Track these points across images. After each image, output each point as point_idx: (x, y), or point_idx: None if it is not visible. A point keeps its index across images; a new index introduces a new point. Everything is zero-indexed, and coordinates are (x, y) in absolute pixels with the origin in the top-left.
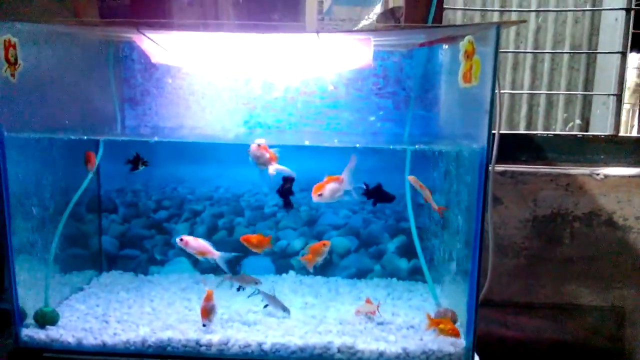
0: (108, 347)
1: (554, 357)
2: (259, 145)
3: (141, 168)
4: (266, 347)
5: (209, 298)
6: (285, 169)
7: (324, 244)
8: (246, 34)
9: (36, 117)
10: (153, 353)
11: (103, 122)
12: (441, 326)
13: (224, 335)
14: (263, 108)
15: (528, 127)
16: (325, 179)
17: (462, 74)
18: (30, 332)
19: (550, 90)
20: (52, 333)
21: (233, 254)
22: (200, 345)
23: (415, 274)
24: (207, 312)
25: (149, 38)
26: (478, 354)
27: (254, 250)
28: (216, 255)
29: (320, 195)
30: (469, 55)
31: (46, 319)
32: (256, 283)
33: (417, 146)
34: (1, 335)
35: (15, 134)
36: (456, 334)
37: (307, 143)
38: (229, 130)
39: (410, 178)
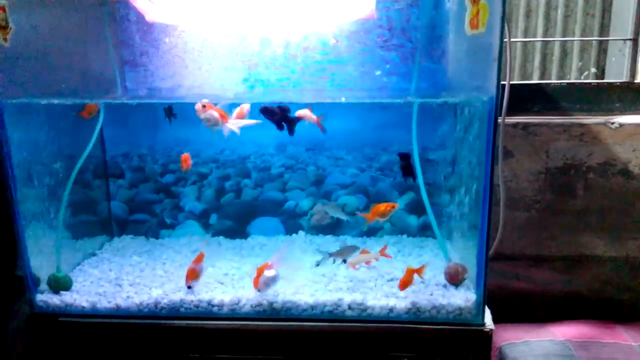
0: (122, 310)
1: (567, 309)
2: (203, 105)
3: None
4: (277, 305)
5: (198, 260)
6: (248, 122)
7: (393, 206)
8: None
9: (34, 82)
10: (167, 314)
11: (103, 86)
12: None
13: (235, 295)
14: (263, 65)
15: (542, 77)
16: (257, 270)
17: (469, 20)
18: (45, 298)
19: (565, 37)
20: (67, 298)
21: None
22: (213, 306)
23: (425, 230)
24: (195, 274)
25: None
26: (489, 307)
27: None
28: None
29: (258, 290)
30: (475, 0)
31: (59, 284)
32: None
33: (424, 99)
34: (18, 301)
35: (13, 100)
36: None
37: (338, 99)
38: (227, 89)
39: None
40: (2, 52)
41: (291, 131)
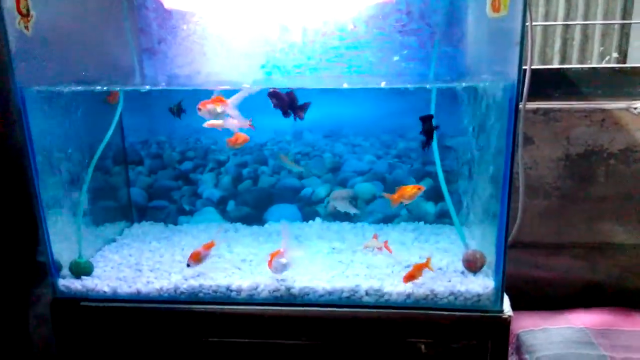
0: (142, 294)
1: (587, 297)
2: (200, 108)
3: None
4: (295, 291)
5: (208, 247)
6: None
7: (419, 188)
8: None
9: (54, 70)
10: (186, 299)
11: (122, 73)
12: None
13: (254, 280)
14: (281, 51)
15: (562, 62)
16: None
17: (491, 2)
18: (67, 283)
19: (586, 21)
20: (88, 283)
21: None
22: (231, 291)
23: (443, 217)
24: (198, 257)
25: None
26: (508, 295)
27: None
28: None
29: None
30: None
31: (80, 269)
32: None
33: (442, 84)
34: (40, 287)
35: (35, 88)
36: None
37: (345, 85)
38: (245, 76)
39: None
40: (24, 40)
41: (301, 116)
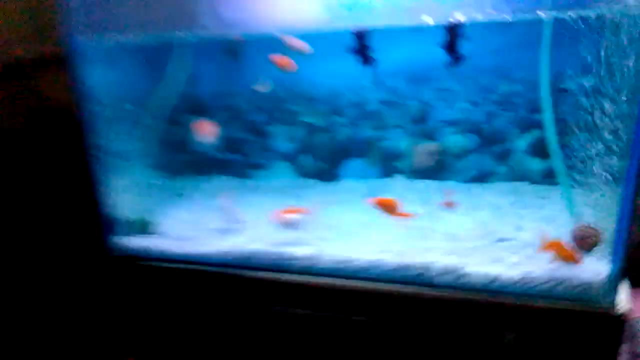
0: (200, 255)
1: None
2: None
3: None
4: (359, 263)
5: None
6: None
7: (573, 257)
8: None
9: (114, 19)
10: (240, 263)
11: (187, 19)
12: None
13: (316, 248)
14: None
15: None
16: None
17: None
18: (128, 240)
19: None
20: (147, 241)
21: None
22: (296, 259)
23: (551, 177)
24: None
25: None
26: (630, 279)
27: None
28: None
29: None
30: None
31: (143, 226)
32: None
33: (561, 12)
34: (102, 244)
35: (91, 40)
36: (574, 259)
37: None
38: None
39: None
40: None
41: (368, 60)
